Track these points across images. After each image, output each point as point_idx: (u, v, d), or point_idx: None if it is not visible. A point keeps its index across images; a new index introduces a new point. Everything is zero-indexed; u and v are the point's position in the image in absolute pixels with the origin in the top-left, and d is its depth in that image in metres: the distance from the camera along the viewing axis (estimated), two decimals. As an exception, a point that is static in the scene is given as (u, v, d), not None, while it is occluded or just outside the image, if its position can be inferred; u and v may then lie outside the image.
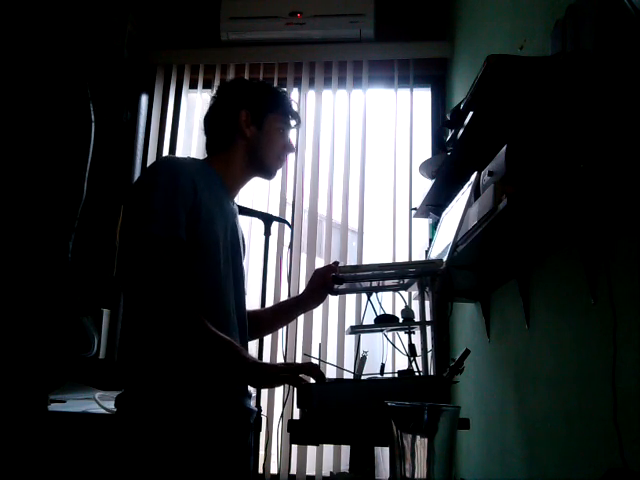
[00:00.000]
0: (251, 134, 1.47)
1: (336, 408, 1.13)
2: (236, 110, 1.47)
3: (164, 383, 1.26)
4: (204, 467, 1.25)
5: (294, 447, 2.62)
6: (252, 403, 1.49)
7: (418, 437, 0.72)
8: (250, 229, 2.96)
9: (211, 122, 1.53)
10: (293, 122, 1.56)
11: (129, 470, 1.23)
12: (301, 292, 1.65)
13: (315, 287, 1.58)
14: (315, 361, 1.44)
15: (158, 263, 1.23)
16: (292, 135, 1.59)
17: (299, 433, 1.18)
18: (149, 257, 1.23)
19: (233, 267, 1.41)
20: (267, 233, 1.99)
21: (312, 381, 1.20)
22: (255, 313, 1.60)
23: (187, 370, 1.27)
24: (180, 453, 1.22)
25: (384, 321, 1.46)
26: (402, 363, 2.31)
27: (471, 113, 1.42)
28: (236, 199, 1.56)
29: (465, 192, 1.42)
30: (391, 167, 2.93)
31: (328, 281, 1.54)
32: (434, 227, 1.95)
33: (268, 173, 1.54)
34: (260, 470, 2.48)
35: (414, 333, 1.45)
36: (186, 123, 3.15)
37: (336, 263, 1.56)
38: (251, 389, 1.47)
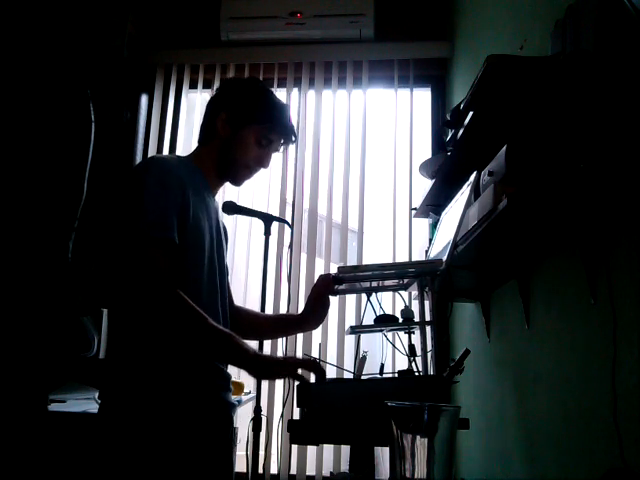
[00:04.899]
0: (225, 135, 1.47)
1: (336, 408, 1.13)
2: (219, 109, 1.47)
3: (146, 378, 1.27)
4: (185, 460, 1.25)
5: (294, 447, 2.62)
6: (247, 399, 1.49)
7: (418, 437, 0.72)
8: (250, 229, 2.96)
9: (202, 116, 1.54)
10: (281, 140, 1.51)
11: (109, 464, 1.25)
12: (301, 310, 1.60)
13: (315, 297, 1.55)
14: None
15: (151, 264, 1.23)
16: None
17: (299, 433, 1.18)
18: (141, 258, 1.23)
19: (218, 267, 1.42)
20: (267, 233, 1.99)
21: (312, 379, 1.20)
22: (258, 318, 1.60)
23: (169, 365, 1.28)
24: (160, 446, 1.23)
25: (384, 321, 1.46)
26: (402, 363, 2.31)
27: (471, 113, 1.42)
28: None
29: (465, 192, 1.42)
30: (391, 167, 2.93)
31: (329, 288, 1.52)
32: (434, 227, 1.95)
33: (234, 179, 1.51)
34: (260, 470, 2.48)
35: (414, 333, 1.45)
36: (186, 123, 3.15)
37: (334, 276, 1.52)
38: (240, 385, 1.47)
